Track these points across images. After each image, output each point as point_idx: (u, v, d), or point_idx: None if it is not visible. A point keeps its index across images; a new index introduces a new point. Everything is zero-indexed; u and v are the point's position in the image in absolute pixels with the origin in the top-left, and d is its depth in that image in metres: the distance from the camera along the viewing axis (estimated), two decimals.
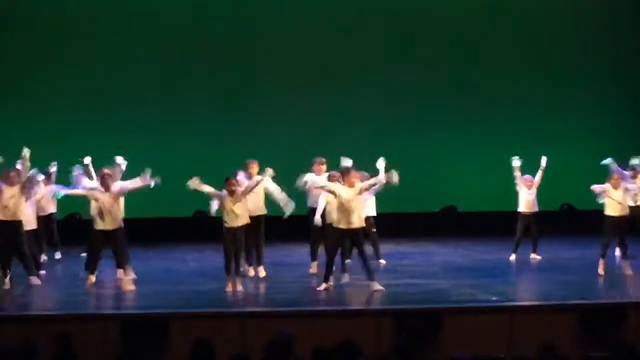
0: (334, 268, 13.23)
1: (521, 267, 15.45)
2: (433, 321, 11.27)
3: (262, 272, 14.12)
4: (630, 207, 14.49)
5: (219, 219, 13.36)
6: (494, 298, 12.32)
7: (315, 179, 14.03)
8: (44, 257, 15.63)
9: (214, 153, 18.73)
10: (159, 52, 19.00)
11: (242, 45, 19.22)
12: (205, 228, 17.29)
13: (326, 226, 13.95)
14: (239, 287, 12.98)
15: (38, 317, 11.69)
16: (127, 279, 13.30)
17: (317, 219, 14.10)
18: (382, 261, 15.47)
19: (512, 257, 15.81)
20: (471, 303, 12.09)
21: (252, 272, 14.08)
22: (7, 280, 13.32)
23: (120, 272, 13.65)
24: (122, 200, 13.71)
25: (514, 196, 16.03)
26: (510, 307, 11.86)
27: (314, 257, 14.61)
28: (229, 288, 12.92)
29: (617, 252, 14.93)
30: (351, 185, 13.11)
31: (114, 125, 18.76)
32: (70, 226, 17.37)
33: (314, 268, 14.50)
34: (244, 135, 18.97)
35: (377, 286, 12.82)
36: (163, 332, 11.10)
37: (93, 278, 13.52)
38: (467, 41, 19.52)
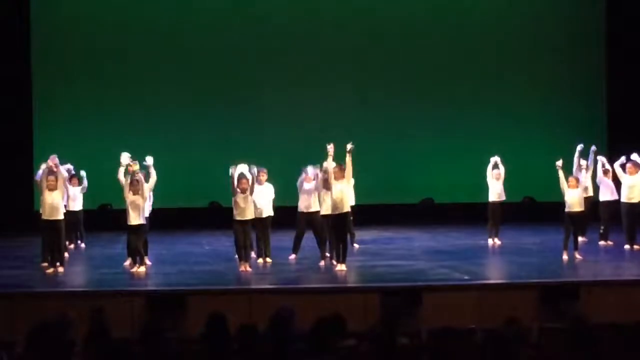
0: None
1: (489, 251, 15.41)
2: (413, 297, 11.27)
3: (268, 261, 14.00)
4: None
5: (229, 210, 13.36)
6: (466, 277, 12.30)
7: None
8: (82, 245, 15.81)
9: (226, 152, 18.74)
10: (177, 68, 19.06)
11: (248, 57, 19.26)
12: (218, 216, 17.32)
13: (313, 216, 13.85)
14: (248, 268, 13.00)
15: (75, 293, 11.66)
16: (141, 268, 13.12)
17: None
18: (356, 245, 15.38)
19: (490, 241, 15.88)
20: (446, 281, 12.05)
21: (260, 260, 13.93)
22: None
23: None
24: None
25: (483, 189, 15.99)
26: (480, 285, 11.85)
27: (296, 249, 14.31)
28: (242, 268, 12.95)
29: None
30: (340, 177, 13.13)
31: (140, 128, 18.83)
32: (102, 215, 17.32)
33: (294, 258, 14.20)
34: (250, 135, 19.00)
35: (344, 267, 12.98)
36: (182, 306, 11.09)
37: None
38: (442, 54, 19.52)
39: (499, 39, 19.65)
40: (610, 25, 19.65)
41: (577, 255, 13.75)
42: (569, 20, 19.80)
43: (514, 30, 19.70)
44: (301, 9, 19.43)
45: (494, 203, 15.77)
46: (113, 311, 9.78)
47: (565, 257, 13.69)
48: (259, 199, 13.67)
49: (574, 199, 13.80)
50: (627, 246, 14.78)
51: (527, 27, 19.71)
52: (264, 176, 14.02)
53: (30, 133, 18.68)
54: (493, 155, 15.65)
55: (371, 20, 19.44)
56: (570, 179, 14.01)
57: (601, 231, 15.38)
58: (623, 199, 15.02)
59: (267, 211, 13.97)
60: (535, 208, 19.01)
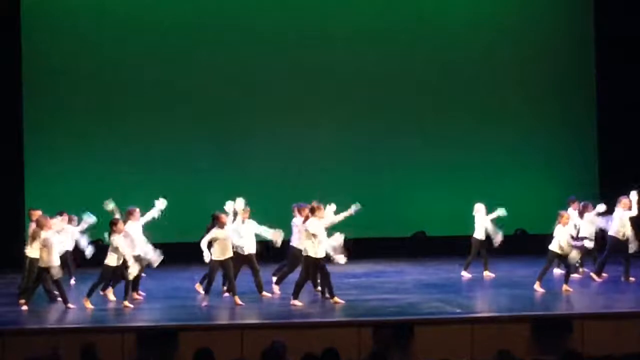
0: None
1: (481, 283, 15.40)
2: (405, 330, 11.25)
3: (265, 294, 13.93)
4: None
5: None
6: (458, 310, 12.31)
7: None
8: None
9: (213, 190, 18.73)
10: (164, 104, 19.07)
11: (240, 96, 19.32)
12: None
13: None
14: (239, 302, 12.99)
15: (66, 330, 11.63)
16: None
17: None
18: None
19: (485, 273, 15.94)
20: (438, 315, 12.04)
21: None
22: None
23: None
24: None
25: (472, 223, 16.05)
26: (472, 318, 11.86)
27: (280, 282, 14.27)
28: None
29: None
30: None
31: (130, 164, 18.86)
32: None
33: (277, 290, 14.18)
34: (236, 173, 19.02)
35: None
36: (173, 342, 11.03)
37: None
38: (434, 88, 19.61)
39: (489, 74, 19.73)
40: (600, 60, 19.83)
41: (567, 288, 13.84)
42: (559, 56, 19.91)
43: (504, 66, 19.78)
44: (288, 46, 19.47)
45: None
46: (104, 347, 9.76)
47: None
48: (244, 236, 13.76)
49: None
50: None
51: (518, 64, 19.80)
52: (247, 213, 14.02)
53: (22, 171, 18.70)
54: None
55: (359, 54, 19.47)
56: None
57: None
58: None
59: (249, 248, 13.92)
60: (527, 240, 18.99)
